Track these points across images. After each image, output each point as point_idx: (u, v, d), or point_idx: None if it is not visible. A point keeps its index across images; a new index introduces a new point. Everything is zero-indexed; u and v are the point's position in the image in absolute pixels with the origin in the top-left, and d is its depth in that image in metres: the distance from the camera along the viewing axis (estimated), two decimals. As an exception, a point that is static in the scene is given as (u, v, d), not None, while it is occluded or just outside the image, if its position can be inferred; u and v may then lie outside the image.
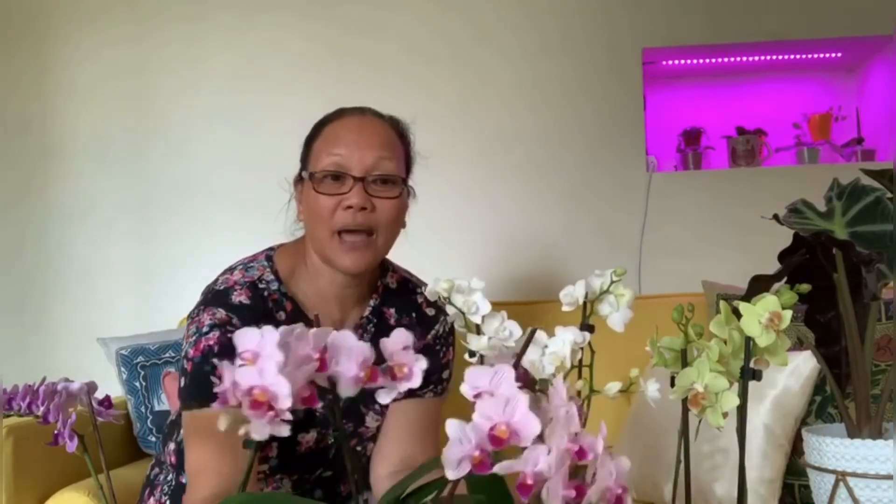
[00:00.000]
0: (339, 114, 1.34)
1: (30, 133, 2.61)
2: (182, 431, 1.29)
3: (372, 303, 1.37)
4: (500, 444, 0.48)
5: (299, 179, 1.34)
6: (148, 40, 2.60)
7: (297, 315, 1.30)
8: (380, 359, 0.59)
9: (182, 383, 1.26)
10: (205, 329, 1.23)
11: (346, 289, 1.33)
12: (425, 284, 1.42)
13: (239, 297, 1.26)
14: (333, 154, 1.27)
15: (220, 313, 1.24)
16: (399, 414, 1.35)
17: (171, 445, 1.43)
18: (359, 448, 1.36)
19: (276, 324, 1.28)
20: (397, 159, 1.31)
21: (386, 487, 1.28)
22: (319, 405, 0.56)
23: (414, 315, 1.39)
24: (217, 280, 1.31)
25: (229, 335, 1.20)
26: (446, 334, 1.41)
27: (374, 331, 1.36)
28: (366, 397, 1.10)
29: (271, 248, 1.38)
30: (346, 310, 1.35)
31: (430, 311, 1.40)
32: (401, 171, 1.31)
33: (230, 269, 1.33)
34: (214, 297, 1.27)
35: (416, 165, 1.39)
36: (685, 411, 0.77)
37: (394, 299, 1.39)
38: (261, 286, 1.29)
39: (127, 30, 2.61)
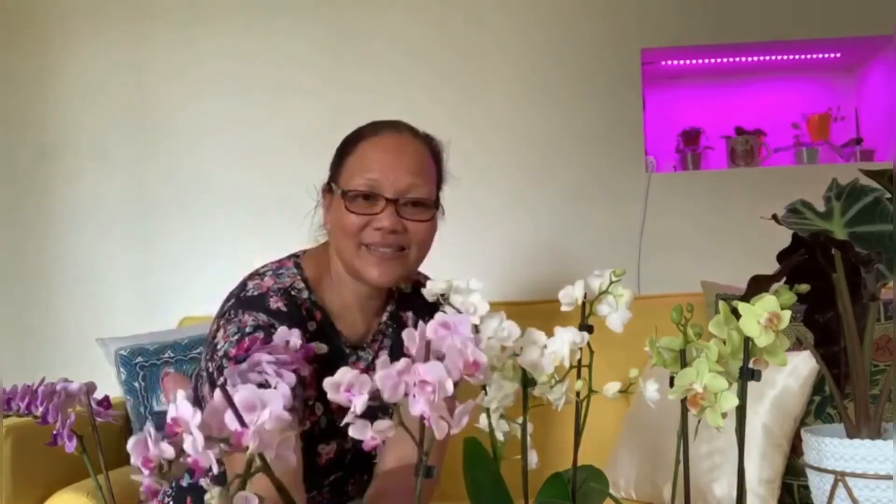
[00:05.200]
0: (374, 129, 1.32)
1: (30, 133, 2.61)
2: None
3: (389, 308, 1.38)
4: None
5: (328, 189, 1.34)
6: (148, 41, 2.60)
7: (326, 325, 1.31)
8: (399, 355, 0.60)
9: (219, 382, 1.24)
10: (248, 329, 1.21)
11: (369, 300, 1.34)
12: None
13: (276, 303, 1.25)
14: (367, 176, 1.26)
15: (262, 317, 1.23)
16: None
17: None
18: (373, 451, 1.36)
19: (308, 333, 1.27)
20: (430, 182, 1.30)
21: (375, 485, 1.29)
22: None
23: (428, 317, 1.39)
24: (246, 285, 1.30)
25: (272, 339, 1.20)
26: None
27: (395, 335, 1.37)
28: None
29: (296, 255, 1.37)
30: (369, 320, 1.36)
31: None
32: (433, 193, 1.31)
33: (259, 275, 1.32)
34: (252, 301, 1.26)
35: (445, 184, 1.37)
36: (684, 411, 0.77)
37: (409, 302, 1.40)
38: (293, 293, 1.28)
39: (127, 30, 2.60)
